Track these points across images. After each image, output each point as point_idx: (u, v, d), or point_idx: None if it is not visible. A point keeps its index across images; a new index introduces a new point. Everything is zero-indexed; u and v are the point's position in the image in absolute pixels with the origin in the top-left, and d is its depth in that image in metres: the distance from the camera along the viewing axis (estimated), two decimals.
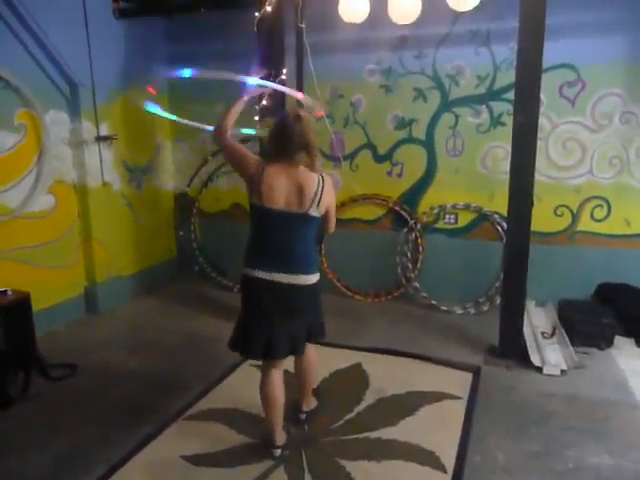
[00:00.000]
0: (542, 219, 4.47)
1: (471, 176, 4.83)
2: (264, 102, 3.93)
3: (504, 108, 4.59)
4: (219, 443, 2.90)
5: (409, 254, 5.07)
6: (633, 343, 4.10)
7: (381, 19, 3.81)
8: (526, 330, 4.03)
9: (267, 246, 2.58)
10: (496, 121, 4.68)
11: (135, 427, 3.06)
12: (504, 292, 3.92)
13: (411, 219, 5.02)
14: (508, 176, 3.72)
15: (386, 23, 3.84)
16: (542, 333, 4.12)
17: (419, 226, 5.01)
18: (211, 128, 2.70)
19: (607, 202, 4.55)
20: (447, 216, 4.98)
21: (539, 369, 3.66)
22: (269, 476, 2.64)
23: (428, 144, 4.90)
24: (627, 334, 4.16)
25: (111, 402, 3.39)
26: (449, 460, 2.74)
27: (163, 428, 3.05)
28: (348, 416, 3.16)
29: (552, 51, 3.83)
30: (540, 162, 4.13)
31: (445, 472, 2.66)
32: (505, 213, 3.86)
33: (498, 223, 4.78)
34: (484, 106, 4.69)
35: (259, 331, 2.59)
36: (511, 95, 3.91)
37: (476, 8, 3.52)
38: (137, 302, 5.20)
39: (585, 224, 4.63)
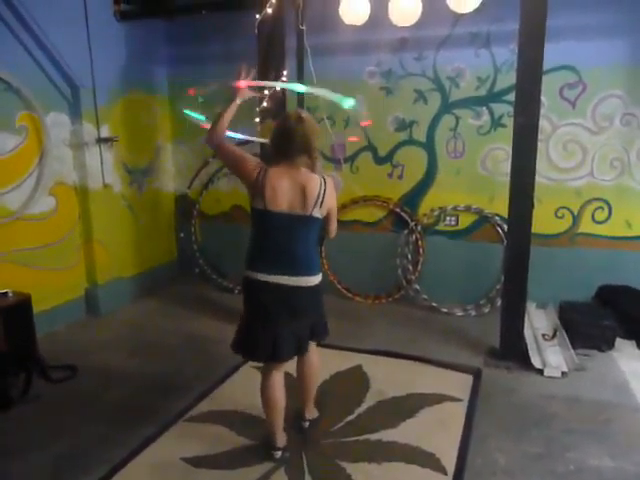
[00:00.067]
0: (543, 221, 4.46)
1: (472, 178, 4.83)
2: (264, 104, 3.93)
3: (504, 110, 4.59)
4: (219, 445, 2.90)
5: (410, 256, 5.07)
6: (634, 345, 4.10)
7: (381, 21, 3.81)
8: (527, 332, 4.02)
9: (269, 248, 2.57)
10: (497, 123, 4.68)
11: (135, 428, 3.06)
12: (505, 294, 3.92)
13: (412, 221, 5.02)
14: (509, 178, 3.72)
15: (386, 25, 3.84)
16: (543, 335, 4.12)
17: (420, 228, 5.01)
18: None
19: (608, 204, 4.54)
20: (448, 218, 4.98)
21: (540, 371, 3.66)
22: (269, 478, 2.64)
23: (429, 146, 4.90)
24: (628, 336, 4.15)
25: (111, 403, 3.39)
26: (450, 462, 2.73)
27: (163, 430, 3.05)
28: (349, 418, 3.16)
29: (553, 53, 3.83)
30: (541, 164, 4.13)
31: (446, 474, 2.65)
32: (506, 215, 3.86)
33: (499, 225, 4.78)
34: (485, 108, 4.69)
35: (264, 333, 2.58)
36: (512, 97, 3.92)
37: (476, 10, 3.51)
38: (138, 304, 5.20)
39: (586, 226, 4.63)
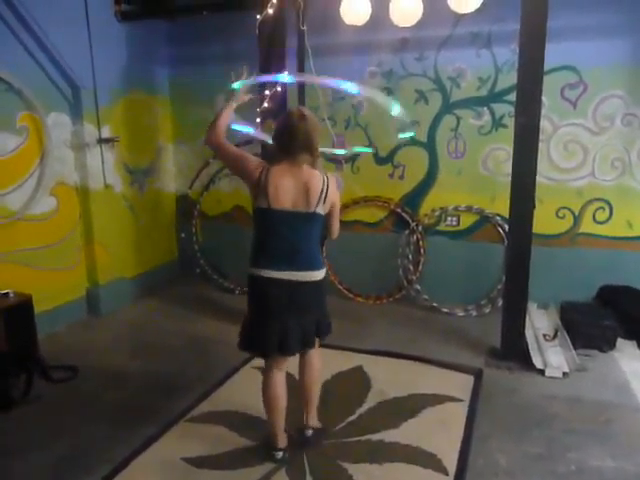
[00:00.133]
0: (544, 221, 4.46)
1: (473, 178, 4.83)
2: (265, 104, 3.93)
3: (505, 110, 4.59)
4: (221, 445, 2.90)
5: (411, 256, 5.07)
6: (635, 345, 4.09)
7: (382, 21, 3.81)
8: (528, 332, 4.02)
9: (273, 245, 2.57)
10: (498, 123, 4.68)
11: (136, 429, 3.06)
12: (506, 294, 3.92)
13: (412, 221, 5.02)
14: (510, 178, 3.71)
15: (387, 25, 3.84)
16: (544, 335, 4.11)
17: (420, 228, 5.01)
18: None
19: (609, 204, 4.54)
20: (449, 218, 4.97)
21: (541, 371, 3.66)
22: (271, 478, 2.64)
23: (430, 146, 4.90)
24: (629, 336, 4.15)
25: (112, 404, 3.39)
26: (451, 463, 2.73)
27: (165, 430, 3.05)
28: (350, 418, 3.16)
29: (554, 53, 3.83)
30: (542, 164, 4.13)
31: (447, 475, 2.65)
32: (507, 215, 3.86)
33: (500, 225, 4.78)
34: (485, 108, 4.69)
35: (271, 328, 2.57)
36: (513, 97, 3.91)
37: (477, 10, 3.52)
38: (138, 304, 5.20)
39: (587, 226, 4.62)
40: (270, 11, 3.92)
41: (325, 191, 2.52)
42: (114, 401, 3.42)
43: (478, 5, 3.46)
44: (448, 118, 4.81)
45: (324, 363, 2.96)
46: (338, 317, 3.63)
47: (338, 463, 2.74)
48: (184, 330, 4.54)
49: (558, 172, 4.61)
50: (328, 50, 4.57)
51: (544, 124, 4.20)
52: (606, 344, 4.00)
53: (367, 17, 3.83)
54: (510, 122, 4.30)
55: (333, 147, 4.94)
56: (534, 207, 3.70)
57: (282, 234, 2.54)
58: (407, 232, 5.05)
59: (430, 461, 2.75)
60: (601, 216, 4.58)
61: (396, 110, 2.77)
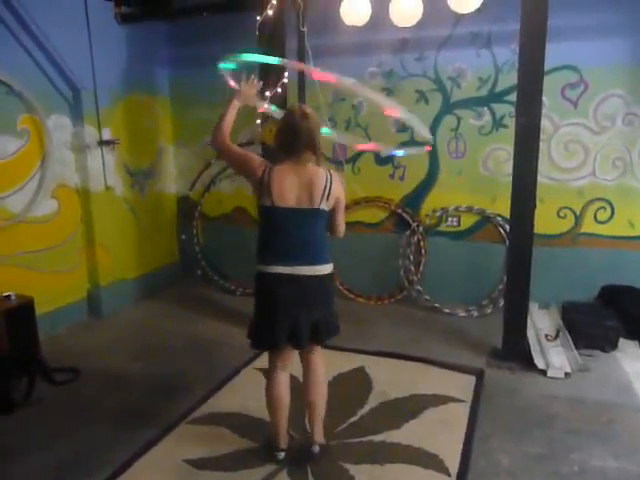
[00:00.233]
0: (545, 221, 4.45)
1: (473, 178, 4.82)
2: (265, 106, 3.93)
3: (506, 110, 4.58)
4: (222, 447, 2.90)
5: (411, 257, 5.06)
6: (637, 345, 4.09)
7: (382, 22, 3.82)
8: (529, 333, 4.01)
9: (278, 242, 2.57)
10: (498, 123, 4.67)
11: (138, 431, 3.06)
12: (507, 294, 3.92)
13: (413, 222, 5.01)
14: (510, 178, 3.71)
15: (387, 26, 3.85)
16: (546, 336, 4.11)
17: (421, 229, 5.01)
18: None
19: (610, 204, 4.54)
20: (450, 218, 4.97)
21: (543, 372, 3.66)
22: None
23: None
24: (631, 336, 4.14)
25: (114, 406, 3.39)
26: (453, 463, 2.73)
27: (166, 432, 3.05)
28: (351, 419, 3.16)
29: (554, 53, 3.83)
30: (542, 164, 4.12)
31: (449, 475, 2.65)
32: (508, 215, 3.85)
33: (501, 225, 4.77)
34: (486, 108, 4.69)
35: (280, 324, 2.56)
36: (513, 97, 3.91)
37: (477, 10, 3.53)
38: (140, 306, 5.20)
39: (588, 226, 4.62)
40: (270, 12, 3.93)
41: (329, 187, 2.52)
42: (115, 403, 3.42)
43: (478, 5, 3.46)
44: (448, 118, 4.81)
45: (325, 364, 2.94)
46: (339, 318, 3.64)
47: (340, 464, 2.74)
48: (185, 331, 4.54)
49: (559, 172, 4.60)
50: (328, 51, 4.57)
51: (545, 124, 4.19)
52: (608, 344, 3.99)
53: (367, 18, 3.83)
54: (511, 122, 4.30)
55: (334, 148, 4.97)
56: (535, 207, 3.70)
57: (287, 231, 2.54)
58: (408, 233, 5.05)
59: (432, 462, 2.75)
60: (602, 216, 4.57)
61: (429, 135, 2.85)
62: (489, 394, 3.43)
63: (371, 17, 3.82)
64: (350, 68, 4.85)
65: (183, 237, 5.83)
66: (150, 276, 5.52)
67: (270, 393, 2.70)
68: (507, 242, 4.45)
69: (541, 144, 3.70)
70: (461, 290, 4.93)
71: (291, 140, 2.51)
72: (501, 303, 4.59)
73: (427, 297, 4.98)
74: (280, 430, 2.75)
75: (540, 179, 3.80)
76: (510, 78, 4.40)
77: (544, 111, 3.86)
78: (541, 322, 4.38)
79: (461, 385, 3.53)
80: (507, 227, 4.49)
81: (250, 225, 5.43)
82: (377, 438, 2.96)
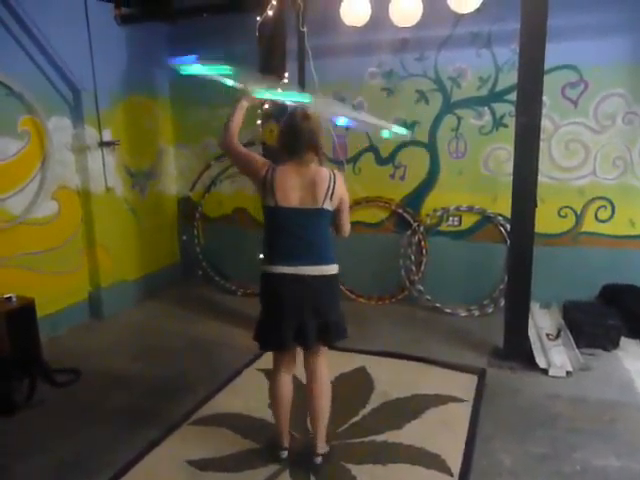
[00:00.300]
0: (546, 220, 4.46)
1: (474, 178, 4.82)
2: (266, 106, 3.93)
3: (506, 110, 4.58)
4: (224, 448, 2.90)
5: (412, 257, 5.06)
6: (639, 344, 4.08)
7: (382, 22, 3.81)
8: (531, 332, 4.01)
9: (283, 242, 2.58)
10: (498, 123, 4.67)
11: (140, 432, 3.06)
12: (508, 294, 3.91)
13: (414, 222, 5.01)
14: (511, 178, 3.71)
15: (387, 26, 3.85)
16: (547, 335, 4.11)
17: (422, 228, 5.00)
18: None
19: (611, 203, 4.53)
20: (450, 218, 4.97)
21: (544, 371, 3.65)
22: None
23: (431, 146, 4.90)
24: (633, 335, 4.15)
25: (115, 407, 3.39)
26: (455, 463, 2.73)
27: (168, 433, 3.05)
28: (353, 419, 3.16)
29: (554, 52, 3.83)
30: (543, 163, 4.13)
31: (451, 475, 2.65)
32: (509, 215, 3.85)
33: (502, 225, 4.77)
34: (486, 108, 4.68)
35: (287, 324, 2.56)
36: (513, 97, 3.91)
37: (477, 10, 3.53)
38: (141, 307, 5.20)
39: (589, 225, 4.62)
40: (270, 13, 3.93)
41: (332, 187, 2.53)
42: (117, 404, 3.42)
43: (478, 5, 3.46)
44: (449, 118, 4.81)
45: (329, 368, 2.93)
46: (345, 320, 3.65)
47: (342, 464, 2.74)
48: (186, 332, 4.53)
49: (560, 171, 4.60)
50: (328, 51, 4.58)
51: (545, 123, 4.19)
52: (610, 343, 3.99)
53: (367, 18, 3.83)
54: (511, 122, 4.29)
55: (334, 149, 4.97)
56: (536, 206, 3.69)
57: (291, 231, 2.55)
58: (409, 232, 5.05)
59: (434, 462, 2.75)
60: (603, 215, 4.57)
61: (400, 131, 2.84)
62: (491, 394, 3.43)
63: (371, 17, 3.82)
64: (350, 68, 4.88)
65: (184, 238, 5.84)
66: (151, 277, 5.52)
67: (273, 393, 2.71)
68: (508, 242, 4.45)
69: (541, 143, 3.70)
70: (462, 290, 4.93)
71: (293, 141, 2.52)
72: (502, 303, 4.59)
73: (428, 297, 4.98)
74: (284, 429, 2.76)
75: (541, 178, 3.80)
76: (510, 78, 4.40)
77: (544, 110, 3.87)
78: (542, 321, 4.38)
79: (463, 385, 3.53)
80: (508, 227, 4.49)
81: (250, 226, 5.43)
82: (379, 438, 2.96)
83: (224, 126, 2.62)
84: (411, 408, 3.26)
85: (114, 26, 4.86)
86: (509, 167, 3.90)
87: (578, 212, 4.62)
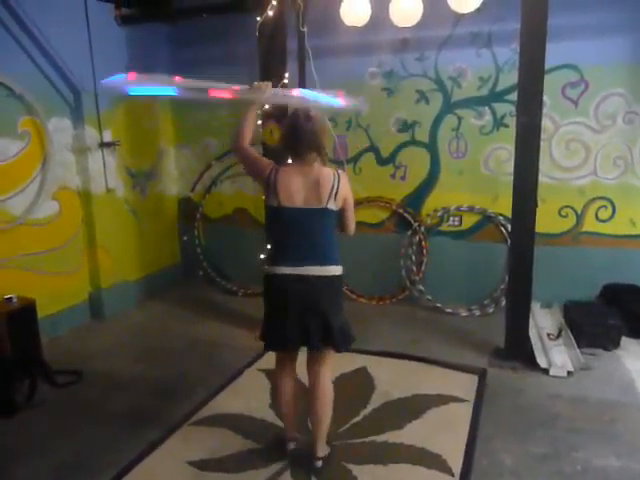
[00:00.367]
0: (546, 220, 4.45)
1: (475, 178, 4.82)
2: (266, 107, 3.93)
3: (507, 109, 4.58)
4: (225, 448, 2.90)
5: (413, 257, 5.06)
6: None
7: (382, 22, 3.81)
8: (532, 332, 4.01)
9: (286, 243, 2.59)
10: (499, 123, 4.67)
11: (140, 433, 3.06)
12: (509, 294, 3.91)
13: (415, 221, 5.01)
14: (512, 177, 3.71)
15: (387, 26, 3.85)
16: (548, 335, 4.11)
17: (423, 228, 5.00)
18: None
19: (611, 202, 4.53)
20: (451, 218, 4.97)
21: (545, 371, 3.65)
22: None
23: (431, 146, 4.90)
24: (633, 335, 4.14)
25: (116, 408, 3.39)
26: (456, 463, 2.73)
27: (169, 434, 3.05)
28: (354, 420, 3.16)
29: (554, 52, 3.82)
30: (544, 163, 4.12)
31: (452, 475, 2.65)
32: (509, 215, 3.85)
33: (502, 225, 4.77)
34: (487, 108, 4.68)
35: (291, 323, 2.56)
36: (514, 96, 3.91)
37: (477, 10, 3.53)
38: (142, 307, 5.20)
39: (590, 225, 4.61)
40: (270, 13, 3.92)
41: (336, 187, 2.53)
42: (117, 405, 3.42)
43: (478, 5, 3.46)
44: (449, 118, 4.80)
45: (332, 371, 2.92)
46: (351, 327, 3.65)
47: (343, 464, 2.74)
48: (187, 333, 4.54)
49: (560, 171, 4.60)
50: (328, 51, 4.58)
51: (545, 123, 4.19)
52: (610, 343, 3.99)
53: (367, 18, 3.83)
54: (511, 121, 4.29)
55: (335, 149, 4.96)
56: (536, 206, 3.69)
57: (294, 231, 2.55)
58: (409, 232, 5.04)
59: (435, 462, 2.75)
60: (604, 214, 4.57)
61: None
62: (492, 394, 3.43)
63: (371, 17, 3.82)
64: (350, 68, 4.87)
65: (184, 238, 5.84)
66: (152, 278, 5.52)
67: (277, 391, 2.77)
68: (509, 241, 4.45)
69: (542, 143, 3.69)
70: (463, 290, 4.93)
71: (295, 142, 2.53)
72: (503, 302, 4.59)
73: (429, 297, 4.98)
74: (290, 423, 2.81)
75: (541, 178, 3.80)
76: (511, 77, 4.39)
77: (545, 110, 3.86)
78: (543, 321, 4.38)
79: (463, 385, 3.53)
80: (508, 226, 4.48)
81: (251, 226, 5.44)
82: (380, 438, 2.96)
83: (237, 130, 2.64)
84: (412, 408, 3.26)
85: (114, 26, 4.86)
86: (510, 167, 3.90)
87: (579, 212, 4.62)
